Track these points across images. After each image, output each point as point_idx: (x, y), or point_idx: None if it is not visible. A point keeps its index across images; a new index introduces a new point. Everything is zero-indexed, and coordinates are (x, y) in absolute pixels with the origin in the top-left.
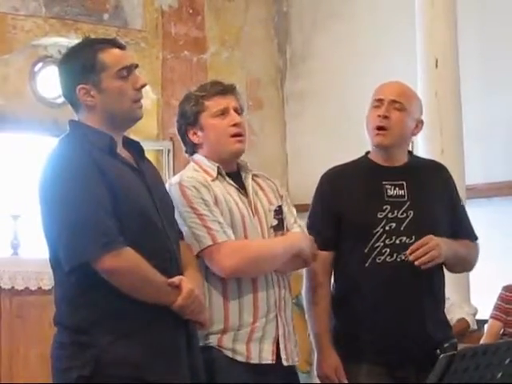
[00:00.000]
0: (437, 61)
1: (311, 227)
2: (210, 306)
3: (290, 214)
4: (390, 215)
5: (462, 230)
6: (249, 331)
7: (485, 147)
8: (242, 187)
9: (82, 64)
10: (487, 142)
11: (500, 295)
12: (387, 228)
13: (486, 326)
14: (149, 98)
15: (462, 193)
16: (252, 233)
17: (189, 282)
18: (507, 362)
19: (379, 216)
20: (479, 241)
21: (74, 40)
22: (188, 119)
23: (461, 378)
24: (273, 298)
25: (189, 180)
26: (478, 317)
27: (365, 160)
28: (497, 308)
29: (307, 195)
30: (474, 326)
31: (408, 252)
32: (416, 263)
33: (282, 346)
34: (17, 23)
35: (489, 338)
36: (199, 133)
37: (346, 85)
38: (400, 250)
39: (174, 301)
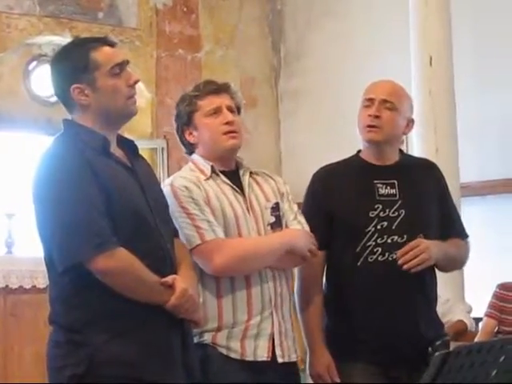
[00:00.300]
0: (431, 59)
1: None
2: (203, 304)
3: (290, 210)
4: (381, 214)
5: (452, 228)
6: (243, 329)
7: (479, 145)
8: (239, 185)
9: (74, 64)
10: (481, 140)
11: (494, 293)
12: (379, 227)
13: (480, 324)
14: (143, 96)
15: (456, 191)
16: (247, 231)
17: (182, 281)
18: (502, 359)
19: (371, 215)
20: (473, 239)
21: (68, 39)
22: (183, 119)
23: (455, 375)
24: (267, 295)
25: (180, 180)
26: (473, 315)
27: (356, 159)
28: (491, 306)
29: (301, 194)
30: (471, 328)
31: (398, 255)
32: (405, 267)
33: (277, 343)
34: (11, 22)
35: (483, 335)
36: (194, 132)
37: (340, 83)
38: (392, 249)
39: (168, 300)
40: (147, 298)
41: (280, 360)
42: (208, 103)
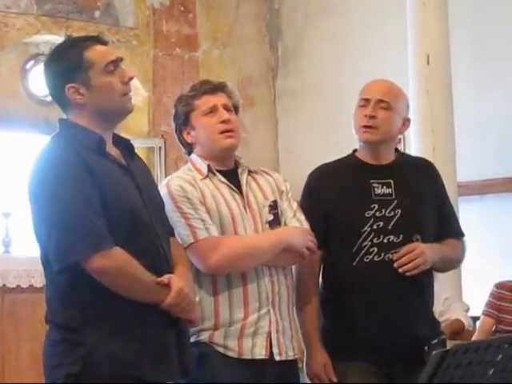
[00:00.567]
0: (428, 57)
1: None
2: (200, 303)
3: (290, 208)
4: (377, 214)
5: (449, 228)
6: (240, 327)
7: (477, 144)
8: (237, 184)
9: (68, 63)
10: (479, 138)
11: (492, 292)
12: (375, 227)
13: (477, 323)
14: (140, 95)
15: (454, 190)
16: (244, 229)
17: (178, 280)
18: (499, 358)
19: (367, 215)
20: (471, 238)
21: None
22: (180, 120)
23: (452, 374)
24: (264, 293)
25: (176, 180)
26: (471, 314)
27: (352, 158)
28: (489, 305)
29: (298, 193)
30: (469, 327)
31: (394, 258)
32: (400, 270)
33: (274, 341)
34: (8, 21)
35: (481, 334)
36: (192, 132)
37: (337, 82)
38: (388, 249)
39: (164, 300)
40: (143, 297)
41: (277, 358)
42: (204, 102)
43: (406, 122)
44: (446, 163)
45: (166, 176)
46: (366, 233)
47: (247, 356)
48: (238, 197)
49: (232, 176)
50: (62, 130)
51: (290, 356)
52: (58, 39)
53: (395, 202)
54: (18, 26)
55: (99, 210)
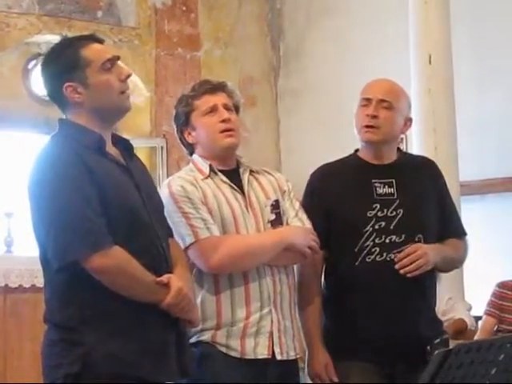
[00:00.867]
0: (430, 57)
1: None
2: (202, 302)
3: (292, 207)
4: (379, 214)
5: (451, 227)
6: (242, 327)
7: (479, 144)
8: (238, 184)
9: (65, 62)
10: (481, 138)
11: (494, 292)
12: (377, 227)
13: (480, 323)
14: (142, 95)
15: (455, 190)
16: (245, 229)
17: (177, 280)
18: (501, 358)
19: (369, 215)
20: (473, 237)
21: None
22: (181, 120)
23: (455, 373)
24: (266, 292)
25: (177, 180)
26: (473, 313)
27: (354, 158)
28: (490, 304)
29: (300, 192)
30: (471, 327)
31: (396, 260)
32: (401, 271)
33: (275, 340)
34: (10, 21)
35: (483, 334)
36: (193, 132)
37: (339, 81)
38: (390, 249)
39: (163, 299)
40: (142, 296)
41: (278, 357)
42: (204, 102)
43: (408, 121)
44: (448, 163)
45: (167, 176)
46: (368, 233)
47: (250, 356)
48: (239, 196)
49: (234, 176)
50: (62, 129)
51: (292, 356)
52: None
53: (397, 201)
54: (19, 25)
55: (98, 209)
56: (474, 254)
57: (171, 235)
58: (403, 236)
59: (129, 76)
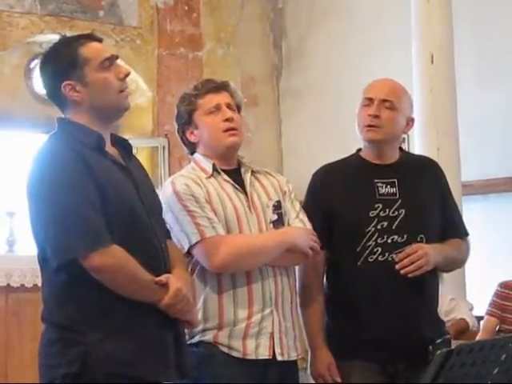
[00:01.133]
0: (432, 57)
1: None
2: (205, 302)
3: (293, 209)
4: (381, 214)
5: (453, 227)
6: (244, 327)
7: (481, 144)
8: (240, 183)
9: (64, 61)
10: (483, 138)
11: (495, 292)
12: (379, 227)
13: (481, 323)
14: (144, 95)
15: (457, 190)
16: (248, 229)
17: (176, 280)
18: (503, 358)
19: (371, 215)
20: (475, 237)
21: None
22: (183, 119)
23: (457, 373)
24: (268, 292)
25: (181, 179)
26: (475, 313)
27: (356, 158)
28: (492, 304)
29: (302, 192)
30: (473, 327)
31: (396, 260)
32: (402, 272)
33: (276, 342)
34: (12, 20)
35: (485, 334)
36: (195, 131)
37: (341, 81)
38: (392, 249)
39: (161, 299)
40: (141, 296)
41: (279, 358)
42: (207, 101)
43: (410, 121)
44: (450, 163)
45: (169, 175)
46: (370, 233)
47: (251, 356)
48: (242, 196)
49: (235, 175)
50: (60, 128)
51: (293, 356)
52: None
53: (399, 201)
54: (21, 25)
55: (98, 208)
56: (476, 254)
57: (169, 237)
58: (405, 236)
59: (127, 75)
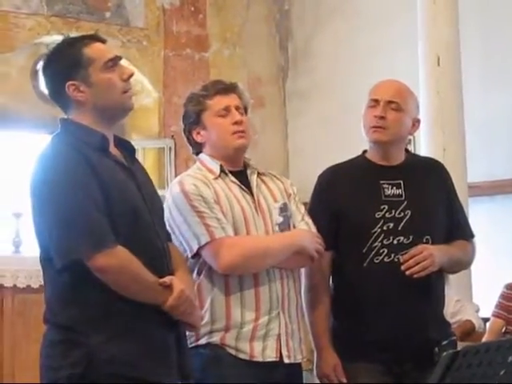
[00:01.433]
0: (439, 58)
1: None
2: (212, 304)
3: (298, 211)
4: (387, 215)
5: (458, 229)
6: (251, 329)
7: (487, 145)
8: (246, 185)
9: (68, 61)
10: (489, 139)
11: (502, 293)
12: (385, 228)
13: (487, 324)
14: (150, 96)
15: (463, 191)
16: (255, 230)
17: (180, 282)
18: (510, 359)
19: (377, 216)
20: (481, 239)
21: None
22: (190, 119)
23: (464, 374)
24: (275, 295)
25: (189, 179)
26: (481, 315)
27: (362, 159)
28: (498, 306)
29: (308, 193)
30: (479, 329)
31: (402, 261)
32: (407, 273)
33: (283, 343)
34: (19, 21)
35: (491, 335)
36: (202, 132)
37: (347, 82)
38: (398, 251)
39: (165, 301)
40: (145, 297)
41: (286, 361)
42: (217, 103)
43: (416, 122)
44: (456, 164)
45: (176, 176)
46: (376, 234)
47: (258, 358)
48: (249, 197)
49: (242, 177)
50: (64, 128)
51: (299, 359)
52: None
53: (405, 202)
54: (28, 26)
55: (101, 207)
56: (483, 255)
57: (169, 239)
58: (411, 237)
59: (131, 75)
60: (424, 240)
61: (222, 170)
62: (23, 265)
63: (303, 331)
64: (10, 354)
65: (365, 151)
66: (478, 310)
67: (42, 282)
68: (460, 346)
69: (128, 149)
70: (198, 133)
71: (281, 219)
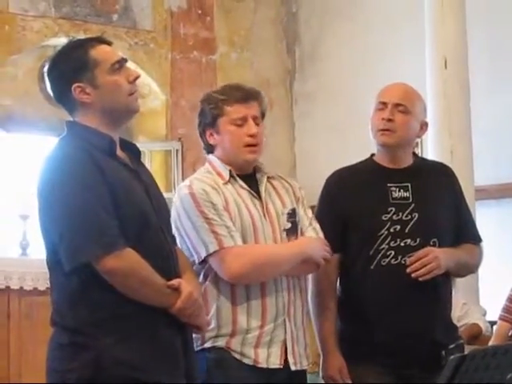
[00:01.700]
0: (446, 61)
1: None
2: (218, 310)
3: (306, 216)
4: (394, 217)
5: (466, 232)
6: (257, 335)
7: (494, 148)
8: (255, 190)
9: (74, 63)
10: (497, 142)
11: (509, 296)
12: (392, 230)
13: (494, 328)
14: (158, 98)
15: (471, 194)
16: (263, 236)
17: (188, 284)
18: None
19: (384, 218)
20: (488, 242)
21: None
22: (206, 119)
23: (471, 378)
24: (281, 303)
25: (198, 183)
26: (488, 318)
27: (370, 162)
28: (505, 309)
29: (315, 196)
30: (486, 332)
31: (407, 263)
32: (413, 275)
33: (289, 350)
34: (26, 24)
35: (497, 339)
36: (215, 135)
37: (354, 85)
38: (405, 253)
39: (174, 303)
40: (153, 300)
41: (293, 368)
42: (235, 111)
43: (424, 125)
44: (463, 167)
45: (183, 179)
46: (383, 236)
47: (263, 365)
48: (257, 202)
49: (250, 181)
50: (71, 131)
51: (305, 365)
52: None
53: (412, 205)
54: (35, 28)
55: (111, 210)
56: (490, 258)
57: (175, 243)
58: (418, 240)
59: (137, 78)
60: (431, 243)
61: (231, 175)
62: (30, 267)
63: (309, 336)
64: (16, 357)
65: (373, 155)
66: (484, 314)
67: (49, 285)
68: (467, 349)
69: (133, 151)
70: (212, 135)
71: (289, 225)
